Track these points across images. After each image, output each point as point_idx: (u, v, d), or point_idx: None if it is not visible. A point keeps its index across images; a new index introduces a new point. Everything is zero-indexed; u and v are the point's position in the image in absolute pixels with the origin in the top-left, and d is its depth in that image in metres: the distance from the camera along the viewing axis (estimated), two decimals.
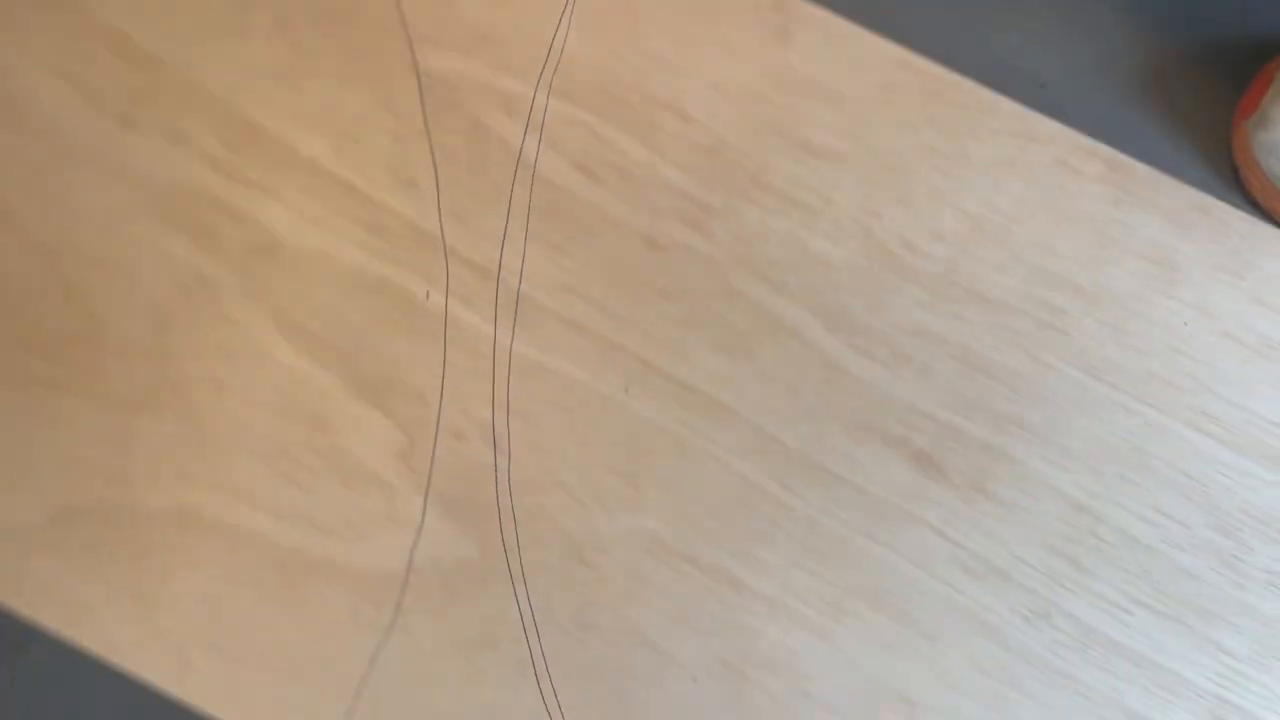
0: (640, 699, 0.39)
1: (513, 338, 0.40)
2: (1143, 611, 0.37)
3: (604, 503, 0.40)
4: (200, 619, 0.41)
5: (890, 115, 0.38)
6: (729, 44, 0.38)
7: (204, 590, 0.41)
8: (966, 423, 0.38)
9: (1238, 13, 0.38)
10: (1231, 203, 0.37)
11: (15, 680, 0.43)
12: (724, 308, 0.39)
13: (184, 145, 0.40)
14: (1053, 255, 0.37)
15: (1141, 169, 0.37)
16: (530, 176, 0.39)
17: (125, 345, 0.41)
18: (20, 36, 0.40)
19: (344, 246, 0.40)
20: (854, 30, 0.38)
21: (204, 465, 0.41)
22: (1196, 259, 0.37)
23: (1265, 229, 0.36)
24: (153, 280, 0.41)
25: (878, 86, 0.38)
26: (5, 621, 0.42)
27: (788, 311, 0.38)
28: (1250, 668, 0.37)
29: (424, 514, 0.40)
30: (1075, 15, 0.38)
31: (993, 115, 0.37)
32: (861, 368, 0.38)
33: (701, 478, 0.39)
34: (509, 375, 0.40)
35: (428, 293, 0.40)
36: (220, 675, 0.41)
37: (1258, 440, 0.37)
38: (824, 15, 0.38)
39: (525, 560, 0.40)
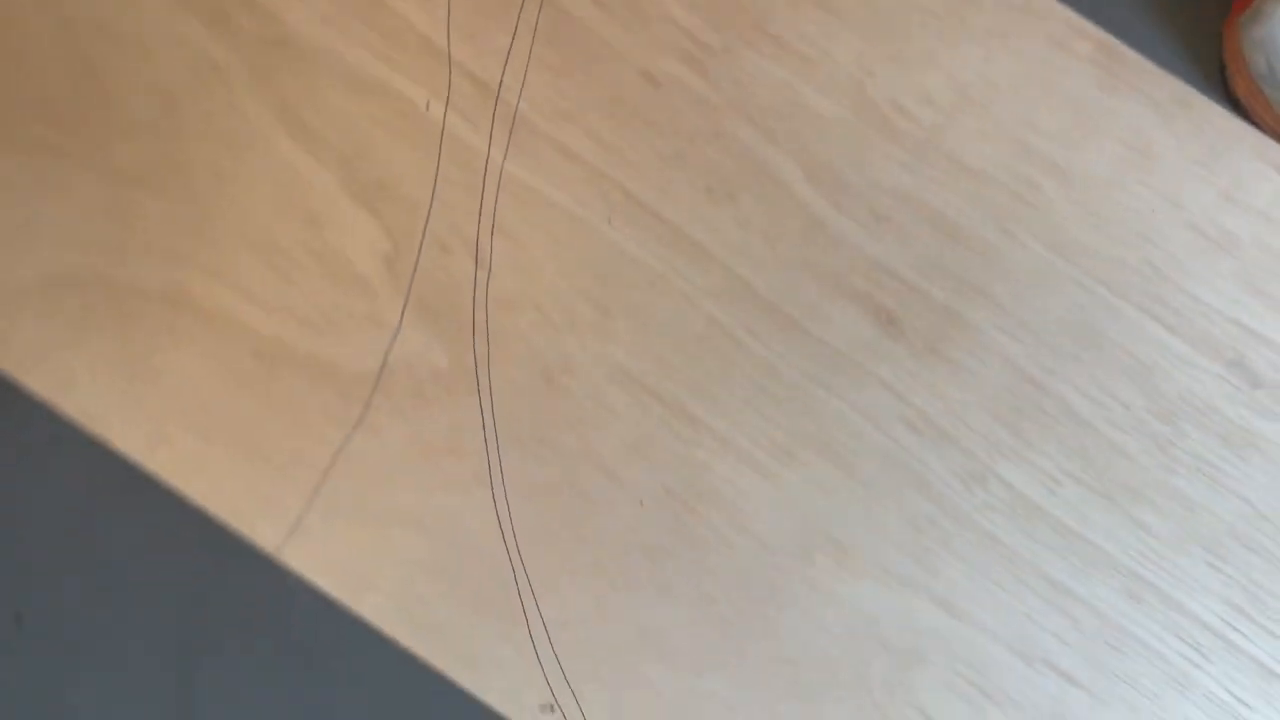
0: (587, 518, 0.41)
1: (505, 157, 0.41)
2: (1073, 484, 0.39)
3: (575, 328, 0.41)
4: (178, 398, 0.43)
5: None
6: None
7: (185, 370, 0.43)
8: (931, 286, 0.39)
9: None
10: (1215, 100, 0.38)
11: (4, 445, 0.45)
12: (712, 149, 0.40)
13: None
14: (1035, 131, 0.38)
15: (1131, 56, 0.38)
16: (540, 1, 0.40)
17: (133, 122, 0.42)
18: None
19: (354, 48, 0.41)
20: None
21: (198, 248, 0.42)
22: (1173, 150, 0.38)
23: (1244, 128, 0.37)
24: (166, 62, 0.42)
25: None
26: None
27: (774, 159, 0.39)
28: (1169, 549, 0.39)
29: (402, 319, 0.42)
30: None
31: None
32: (838, 223, 0.40)
33: (672, 314, 0.41)
34: (498, 193, 0.41)
35: (429, 103, 0.41)
36: (191, 454, 0.43)
37: (1206, 332, 0.38)
38: None
39: (494, 375, 0.42)
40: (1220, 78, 0.37)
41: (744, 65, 0.39)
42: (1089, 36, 0.38)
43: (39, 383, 0.43)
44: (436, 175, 0.41)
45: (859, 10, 0.39)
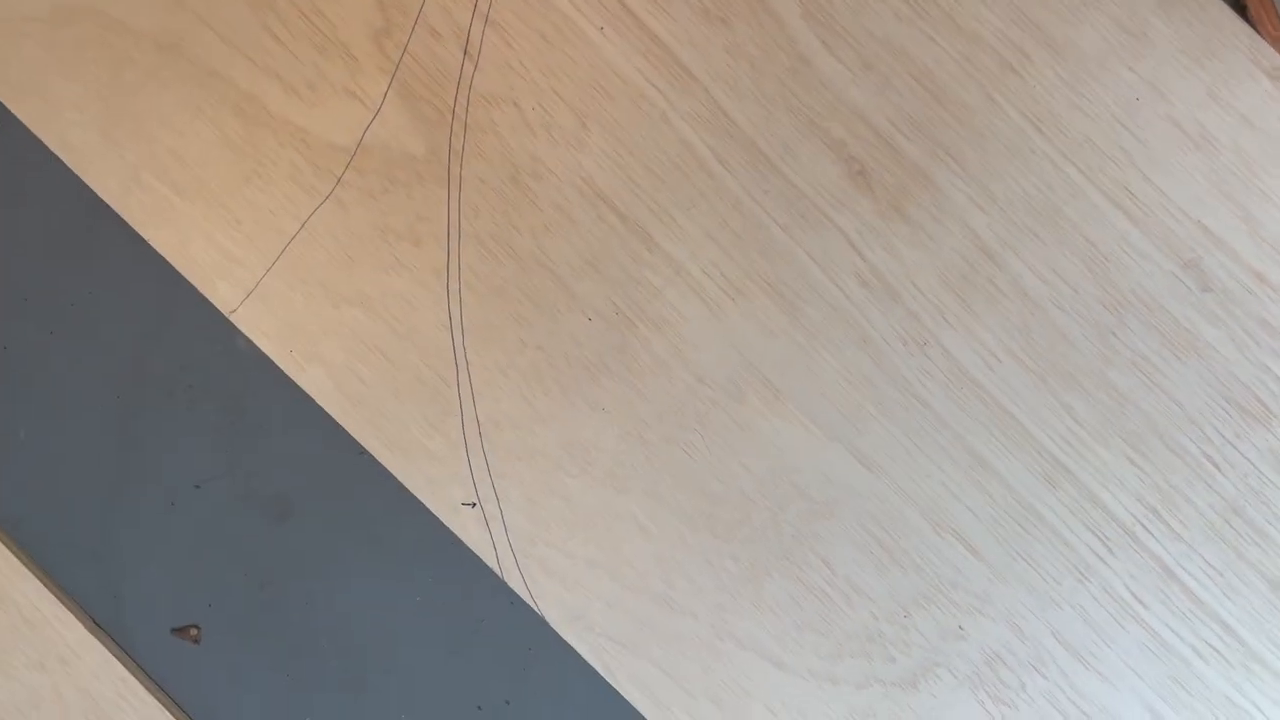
0: (534, 323, 0.42)
1: None
2: (1011, 361, 0.39)
3: (551, 133, 0.41)
4: (156, 143, 0.43)
5: None
6: None
7: (166, 117, 0.43)
8: (906, 142, 0.39)
9: None
10: None
11: None
12: None
13: None
14: (1035, 1, 0.38)
15: None
16: None
17: None
18: None
19: None
20: None
21: None
22: (1167, 38, 0.38)
23: (1242, 28, 0.37)
24: None
25: None
26: None
27: None
28: (1093, 439, 0.39)
29: (385, 98, 0.42)
30: None
31: None
32: (826, 64, 0.39)
33: (647, 133, 0.41)
34: None
35: None
36: (162, 202, 0.44)
37: (1167, 228, 0.38)
38: None
39: (465, 169, 0.42)
40: None
41: None
42: None
43: (27, 111, 0.44)
44: None
45: None
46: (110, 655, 0.42)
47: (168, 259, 0.44)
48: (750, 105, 0.40)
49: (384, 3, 0.41)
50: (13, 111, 0.44)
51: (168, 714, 0.42)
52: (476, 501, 0.42)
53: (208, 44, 0.43)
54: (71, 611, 0.43)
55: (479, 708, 0.42)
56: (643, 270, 0.41)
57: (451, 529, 0.42)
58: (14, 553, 0.43)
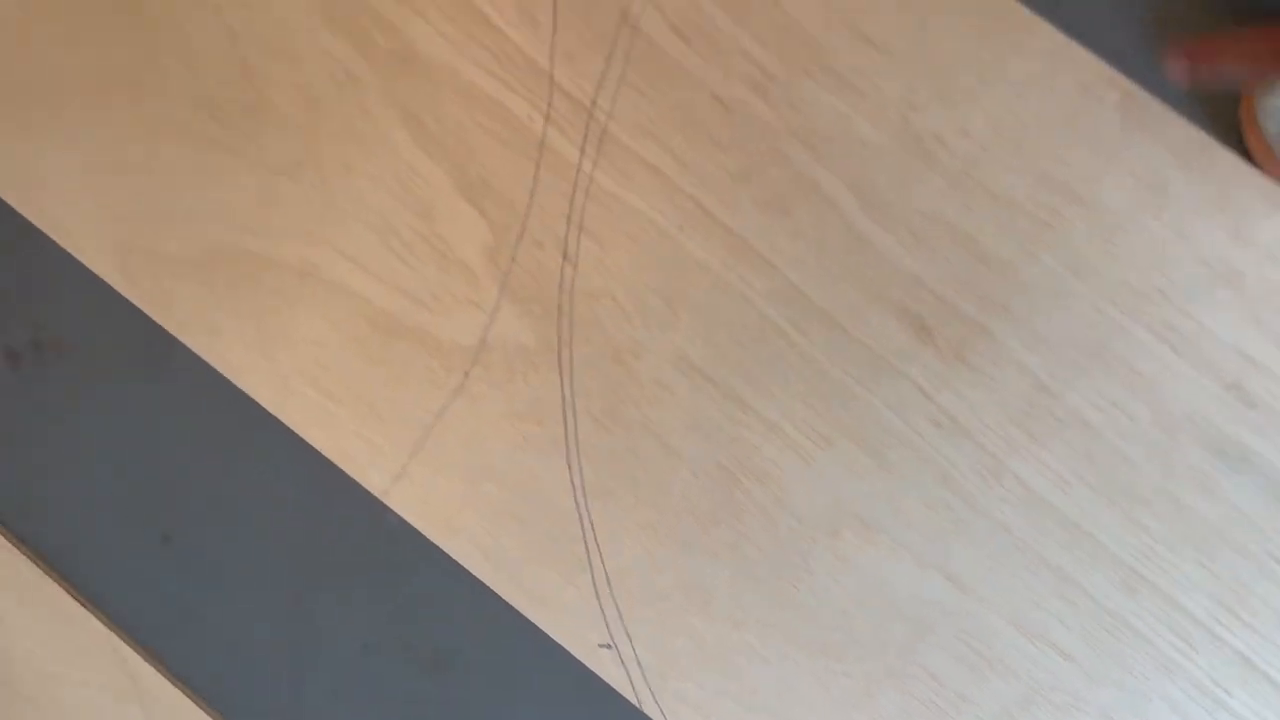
0: (647, 483, 0.48)
1: (594, 167, 0.47)
2: (1080, 484, 0.44)
3: (645, 318, 0.47)
4: (306, 357, 0.50)
5: (945, 24, 0.44)
6: None
7: (312, 334, 0.50)
8: (960, 299, 0.44)
9: None
10: (1230, 148, 0.42)
11: (159, 382, 0.53)
12: (772, 168, 0.45)
13: None
14: (1061, 164, 0.43)
15: (1155, 105, 0.42)
16: (632, 30, 0.46)
17: (281, 120, 0.49)
18: None
19: (470, 66, 0.48)
20: None
21: (328, 230, 0.50)
22: (1186, 189, 0.42)
23: (1253, 174, 0.42)
24: (312, 71, 0.49)
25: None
26: (156, 334, 0.52)
27: (825, 180, 0.45)
28: (1165, 548, 0.43)
29: (499, 302, 0.49)
30: None
31: (1034, 35, 0.43)
32: (880, 239, 0.45)
33: (730, 311, 0.47)
34: (586, 199, 0.47)
35: (530, 117, 0.48)
36: (314, 406, 0.51)
37: (1209, 355, 0.43)
38: None
39: (574, 355, 0.48)
40: (1236, 133, 0.41)
41: (803, 94, 0.45)
42: (1118, 86, 0.42)
43: (193, 339, 0.51)
44: (535, 180, 0.48)
45: (910, 51, 0.44)
46: None
47: (324, 453, 0.51)
48: (818, 279, 0.45)
49: (493, 220, 0.48)
50: (181, 340, 0.52)
51: None
52: (612, 644, 0.48)
53: (342, 269, 0.50)
54: None
55: None
56: (739, 430, 0.47)
57: (592, 669, 0.48)
58: (210, 714, 0.50)
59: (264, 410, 0.51)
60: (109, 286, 0.52)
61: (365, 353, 0.50)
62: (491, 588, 0.49)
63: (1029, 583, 0.44)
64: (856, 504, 0.46)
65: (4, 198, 0.52)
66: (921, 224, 0.44)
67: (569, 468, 0.48)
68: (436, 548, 0.50)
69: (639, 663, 0.47)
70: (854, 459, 0.45)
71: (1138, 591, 0.43)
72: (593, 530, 0.48)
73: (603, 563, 0.48)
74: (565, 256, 0.47)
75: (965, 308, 0.44)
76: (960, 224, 0.44)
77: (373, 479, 0.50)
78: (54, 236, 0.52)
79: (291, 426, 0.51)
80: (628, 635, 0.48)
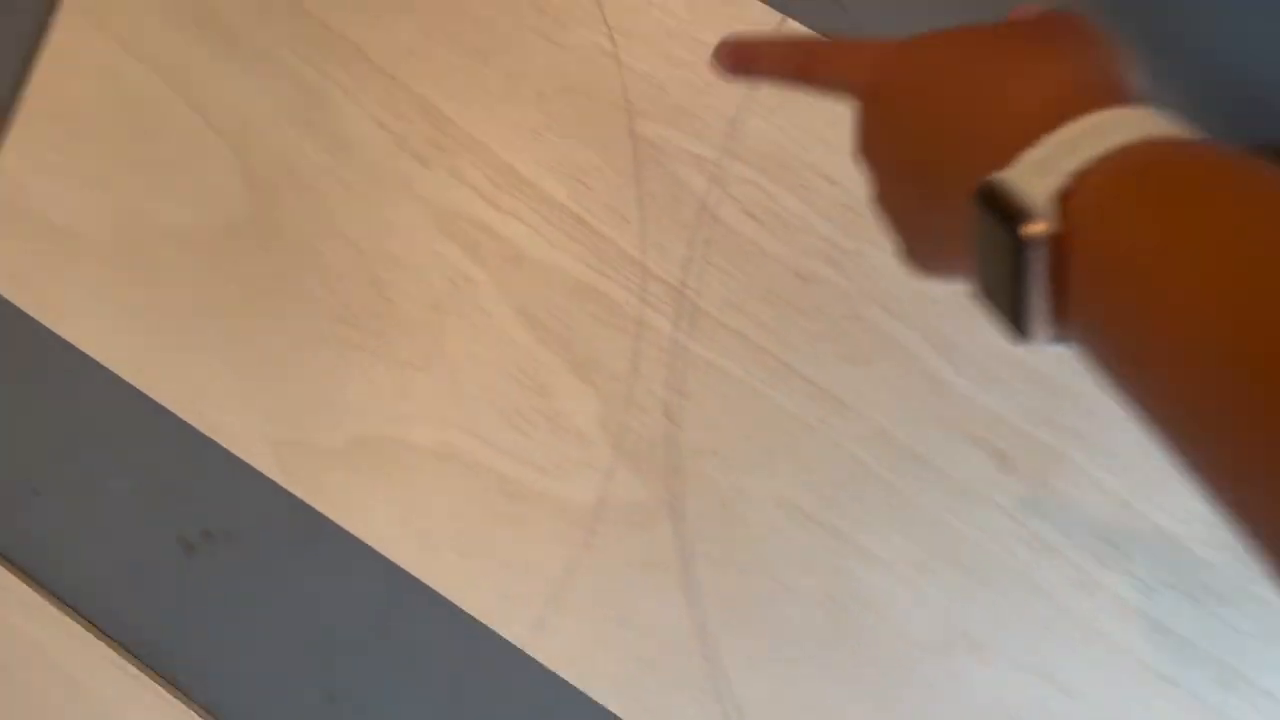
0: (764, 617, 0.52)
1: (689, 337, 0.53)
2: (1165, 589, 0.48)
3: (748, 468, 0.53)
4: (447, 525, 0.56)
5: None
6: None
7: (451, 505, 0.56)
8: (1036, 430, 0.49)
9: None
10: None
11: (316, 558, 0.59)
12: (852, 327, 0.51)
13: (462, 180, 0.55)
14: None
15: None
16: (710, 219, 0.52)
17: (409, 322, 0.56)
18: (352, 91, 0.56)
19: (570, 261, 0.54)
20: None
21: (459, 414, 0.56)
22: None
23: None
24: (432, 277, 0.56)
25: None
26: (310, 517, 0.59)
27: (901, 333, 0.50)
28: (1254, 641, 0.47)
29: (614, 464, 0.54)
30: None
31: None
32: (956, 381, 0.50)
33: (823, 455, 0.52)
34: (684, 367, 0.53)
35: (629, 301, 0.54)
36: (456, 566, 0.56)
37: None
38: None
39: (687, 507, 0.53)
40: None
41: (873, 262, 0.50)
42: None
43: (345, 518, 0.58)
44: (636, 353, 0.53)
45: None
46: None
47: (467, 610, 0.56)
48: (903, 422, 0.50)
49: (603, 393, 0.54)
50: (334, 520, 0.58)
51: None
52: None
53: (473, 447, 0.56)
54: None
55: None
56: (846, 563, 0.51)
57: None
58: None
59: (411, 576, 0.57)
60: (267, 478, 0.59)
61: (499, 517, 0.55)
62: None
63: (1131, 685, 0.48)
64: (963, 622, 0.50)
65: (172, 409, 0.60)
66: (994, 364, 0.49)
67: (692, 609, 0.53)
68: (577, 690, 0.55)
69: None
70: (955, 582, 0.50)
71: (1232, 686, 0.47)
72: (719, 662, 0.53)
73: (732, 693, 0.53)
74: (669, 418, 0.53)
75: (1041, 436, 0.49)
76: (1029, 362, 0.49)
77: (514, 630, 0.56)
78: (217, 439, 0.59)
79: (436, 588, 0.57)
80: None
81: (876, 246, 0.50)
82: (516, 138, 0.54)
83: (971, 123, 0.26)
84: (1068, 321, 0.24)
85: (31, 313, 0.60)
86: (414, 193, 0.55)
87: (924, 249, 0.30)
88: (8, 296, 0.61)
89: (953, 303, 0.49)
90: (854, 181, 0.50)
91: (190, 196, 0.58)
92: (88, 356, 0.60)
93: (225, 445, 0.59)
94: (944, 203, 0.26)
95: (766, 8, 0.50)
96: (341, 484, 0.57)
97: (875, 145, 0.30)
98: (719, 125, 0.52)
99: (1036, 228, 0.23)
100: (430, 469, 0.56)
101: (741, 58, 0.33)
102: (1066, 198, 0.23)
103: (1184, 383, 0.21)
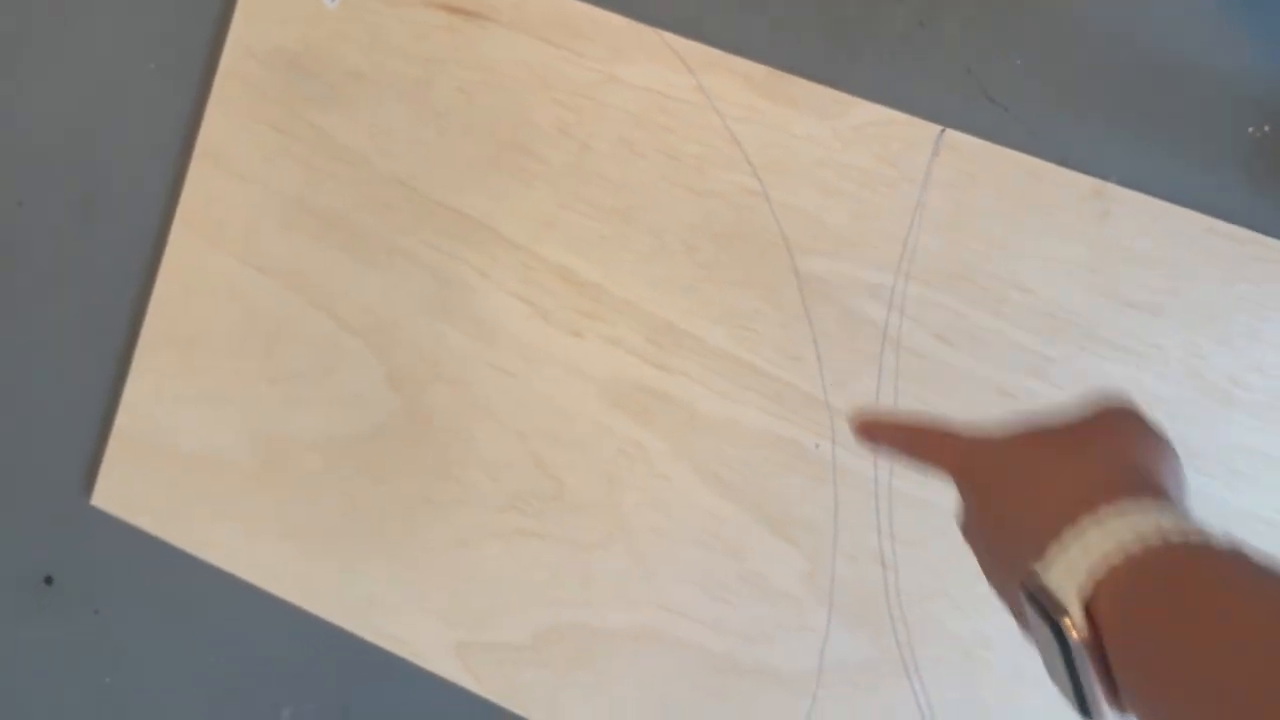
0: None
1: (891, 474, 0.49)
2: None
3: (983, 609, 0.48)
4: (655, 713, 0.52)
5: (1203, 271, 0.45)
6: (1058, 226, 0.47)
7: (657, 690, 0.52)
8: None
9: None
10: None
11: None
12: None
13: (619, 346, 0.52)
14: None
15: None
16: (895, 347, 0.49)
17: (583, 501, 0.53)
18: (489, 272, 0.53)
19: (747, 412, 0.51)
20: (1166, 206, 0.46)
21: (650, 591, 0.52)
22: None
23: None
24: (601, 450, 0.53)
25: (1190, 248, 0.46)
26: (507, 719, 0.55)
27: None
28: None
29: (829, 623, 0.50)
30: None
31: None
32: (1201, 483, 0.46)
33: None
34: (890, 506, 0.49)
35: (817, 444, 0.50)
36: None
37: None
38: (1137, 196, 0.46)
39: (919, 657, 0.49)
40: None
41: (1084, 367, 0.46)
42: None
43: (544, 717, 0.54)
44: (835, 500, 0.50)
45: (1178, 306, 0.46)
46: None
47: None
48: None
49: (803, 547, 0.50)
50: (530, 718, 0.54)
51: None
52: None
53: (672, 624, 0.52)
54: None
55: None
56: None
57: None
58: None
59: None
60: (456, 686, 0.55)
61: (711, 696, 0.51)
62: None
63: None
64: None
65: (343, 625, 0.56)
66: (1238, 459, 0.45)
67: None
68: None
69: None
70: None
71: None
72: None
73: None
74: (883, 565, 0.49)
75: None
76: (1274, 453, 0.44)
77: None
78: (395, 650, 0.56)
79: None
80: None
81: (1086, 350, 0.46)
82: (670, 294, 0.51)
83: (1021, 518, 0.29)
84: (1119, 702, 0.25)
85: (182, 546, 0.58)
86: (570, 365, 0.53)
87: (1021, 624, 0.31)
88: (155, 533, 0.58)
89: (1187, 401, 0.45)
90: (1049, 287, 0.47)
91: (332, 404, 0.55)
92: (246, 583, 0.57)
93: (407, 657, 0.55)
94: (1013, 588, 0.28)
95: (924, 122, 0.47)
96: (535, 680, 0.53)
97: (966, 523, 0.33)
98: (889, 248, 0.49)
99: (1072, 630, 0.25)
100: (628, 653, 0.52)
101: (867, 433, 0.36)
102: (1091, 598, 0.25)
103: None
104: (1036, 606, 0.26)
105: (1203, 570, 0.24)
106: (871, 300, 0.49)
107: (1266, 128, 0.45)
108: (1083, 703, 0.27)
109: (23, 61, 0.60)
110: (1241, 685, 0.21)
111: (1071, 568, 0.26)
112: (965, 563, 0.48)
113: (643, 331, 0.52)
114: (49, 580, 0.62)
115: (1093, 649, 0.25)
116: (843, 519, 0.50)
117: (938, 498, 0.48)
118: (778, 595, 0.51)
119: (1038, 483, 0.29)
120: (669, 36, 0.50)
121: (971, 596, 0.48)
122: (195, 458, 0.58)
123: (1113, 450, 0.29)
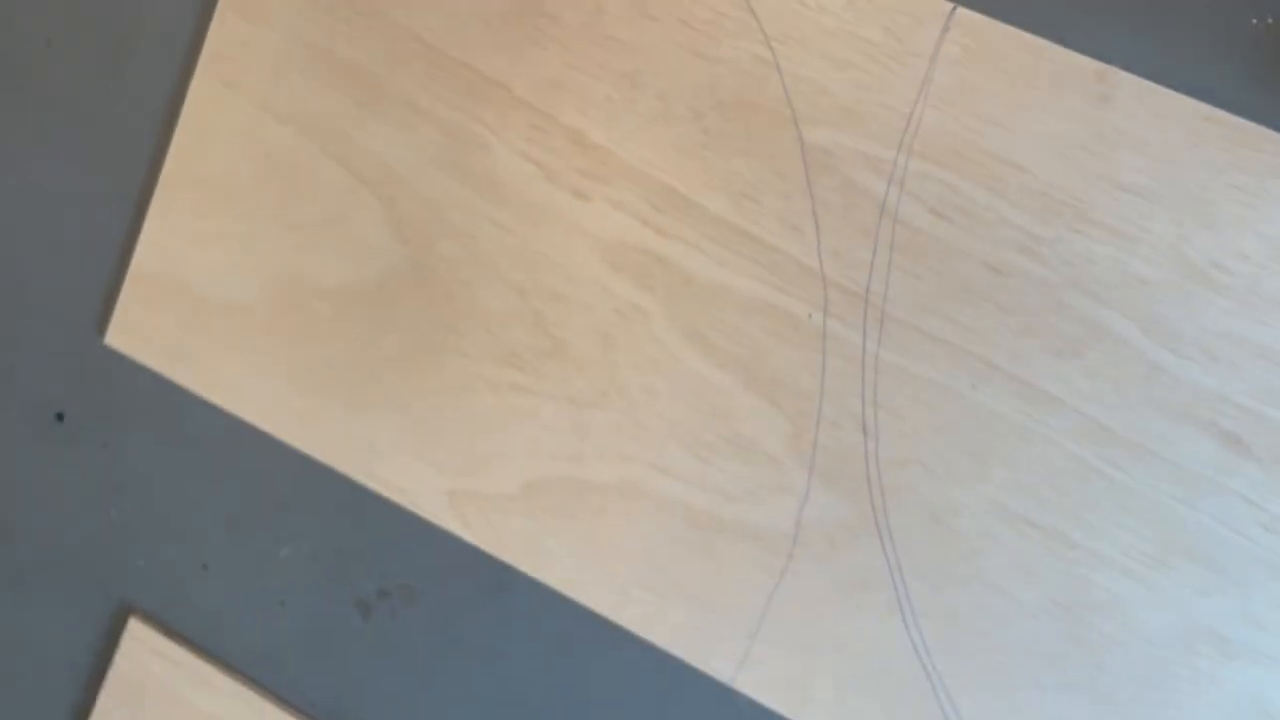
0: (989, 632, 0.50)
1: (879, 345, 0.51)
2: None
3: (956, 476, 0.50)
4: (637, 564, 0.55)
5: (1197, 158, 0.46)
6: (1059, 108, 0.48)
7: (640, 543, 0.54)
8: (1269, 409, 0.46)
9: None
10: None
11: (502, 610, 0.58)
12: (1056, 319, 0.48)
13: (622, 209, 0.53)
14: None
15: None
16: (892, 220, 0.50)
17: (581, 359, 0.55)
18: (499, 130, 0.55)
19: (743, 280, 0.52)
20: (1166, 93, 0.46)
21: (640, 448, 0.54)
22: None
23: None
24: (600, 310, 0.54)
25: (1187, 135, 0.47)
26: (492, 567, 0.57)
27: (1111, 320, 0.47)
28: None
29: (809, 485, 0.52)
30: None
31: None
32: (1176, 365, 0.47)
33: (1038, 456, 0.49)
34: (876, 376, 0.51)
35: (810, 314, 0.52)
36: (651, 607, 0.54)
37: None
38: (1138, 81, 0.47)
39: (891, 522, 0.51)
40: None
41: (1074, 248, 0.48)
42: None
43: (529, 565, 0.56)
44: (823, 368, 0.51)
45: (1170, 192, 0.47)
46: None
47: (668, 650, 0.54)
48: (1121, 413, 0.47)
49: (789, 412, 0.52)
50: (518, 568, 0.56)
51: None
52: None
53: (658, 480, 0.54)
54: None
55: None
56: (1070, 566, 0.49)
57: None
58: None
59: (604, 619, 0.55)
60: (446, 532, 0.57)
61: (692, 551, 0.54)
62: None
63: None
64: (1205, 617, 0.47)
65: (341, 469, 0.59)
66: (1215, 344, 0.46)
67: (907, 627, 0.51)
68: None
69: None
70: (1192, 575, 0.47)
71: None
72: (943, 684, 0.50)
73: (957, 714, 0.50)
74: (865, 432, 0.51)
75: (1275, 415, 0.46)
76: (1254, 338, 0.46)
77: (718, 667, 0.54)
78: (390, 496, 0.58)
79: (633, 630, 0.55)
80: None
81: (1077, 232, 0.47)
82: (675, 159, 0.52)
83: None
84: None
85: (192, 387, 0.60)
86: (573, 226, 0.54)
87: None
88: (166, 373, 0.60)
89: (1170, 283, 0.46)
90: (1045, 167, 0.48)
91: (343, 252, 0.57)
92: (251, 425, 0.59)
93: (398, 501, 0.58)
94: None
95: None
96: (523, 530, 0.56)
97: None
98: (893, 123, 0.49)
99: None
100: (614, 507, 0.54)
101: None
102: None
103: None
104: None
105: None
106: (873, 174, 0.50)
107: (1270, 19, 0.46)
108: None
109: None
110: None
111: None
112: (941, 433, 0.50)
113: (646, 196, 0.53)
114: (60, 416, 0.65)
115: None
116: (829, 387, 0.51)
117: (924, 369, 0.50)
118: (761, 457, 0.53)
119: None
120: None
121: (945, 465, 0.50)
122: (209, 300, 0.59)
123: None
